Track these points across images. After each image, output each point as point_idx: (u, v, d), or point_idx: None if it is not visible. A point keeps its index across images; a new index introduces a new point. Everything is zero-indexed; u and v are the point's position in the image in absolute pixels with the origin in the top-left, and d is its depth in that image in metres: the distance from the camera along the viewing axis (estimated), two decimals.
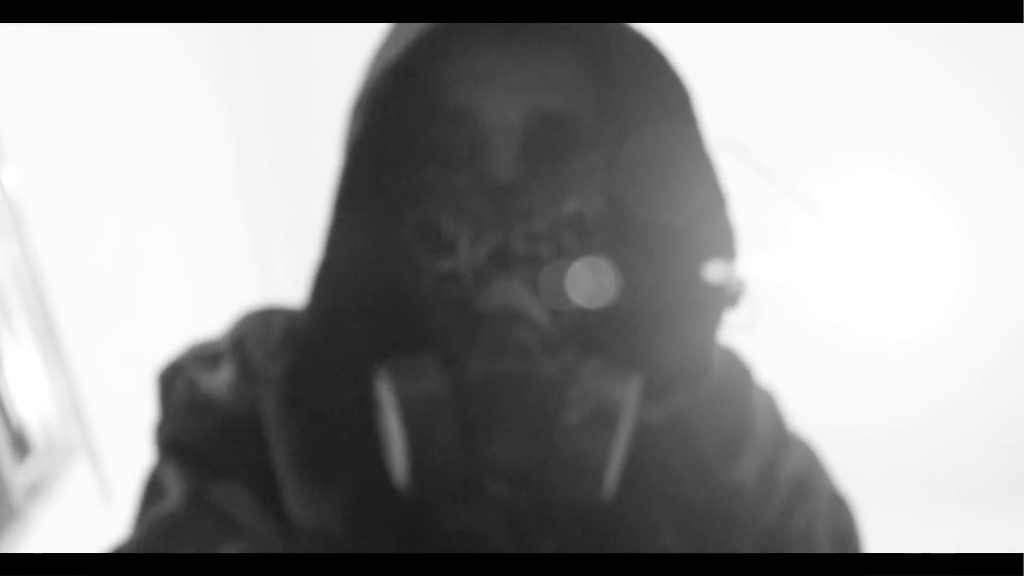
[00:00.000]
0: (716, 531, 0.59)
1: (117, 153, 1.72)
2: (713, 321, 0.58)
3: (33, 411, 1.38)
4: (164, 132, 2.00)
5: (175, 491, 0.58)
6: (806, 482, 0.65)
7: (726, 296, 0.58)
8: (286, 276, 2.63)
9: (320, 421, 0.57)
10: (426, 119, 0.54)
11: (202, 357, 0.65)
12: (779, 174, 2.64)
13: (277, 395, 0.57)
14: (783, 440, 0.66)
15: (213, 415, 0.60)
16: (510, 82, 0.53)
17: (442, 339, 0.55)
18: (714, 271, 0.58)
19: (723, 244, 0.58)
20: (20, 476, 1.29)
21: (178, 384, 0.63)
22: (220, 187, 2.46)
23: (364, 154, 0.53)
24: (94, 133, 1.62)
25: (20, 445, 1.38)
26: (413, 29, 0.50)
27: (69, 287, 1.44)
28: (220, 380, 0.62)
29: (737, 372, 0.66)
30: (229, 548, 0.54)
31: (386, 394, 0.51)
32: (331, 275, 0.55)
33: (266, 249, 2.64)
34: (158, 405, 0.64)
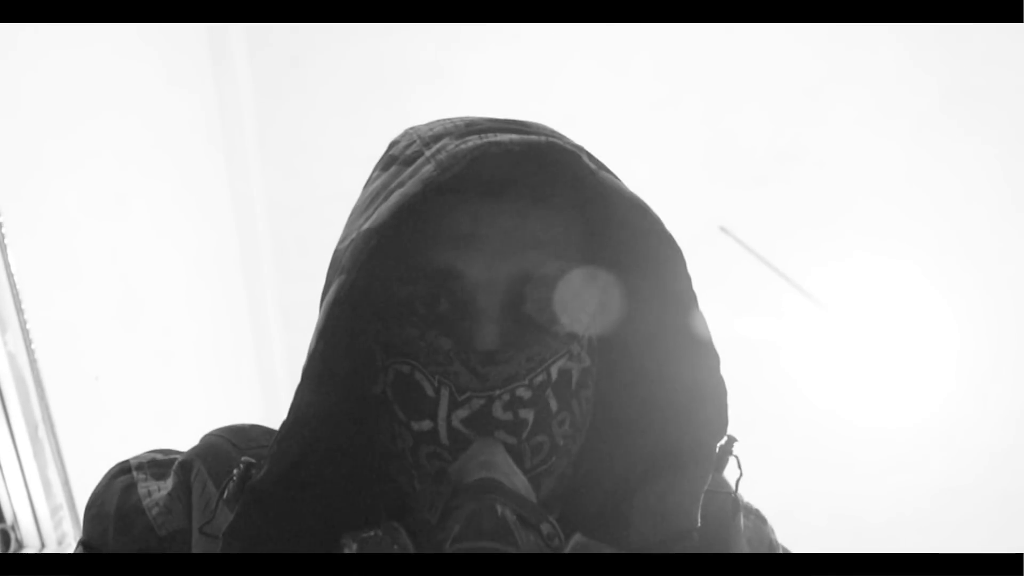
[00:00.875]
0: None
1: (115, 241, 1.74)
2: (699, 482, 0.56)
3: (26, 508, 1.36)
4: (164, 214, 2.02)
5: None
6: None
7: (714, 456, 0.56)
8: (283, 360, 2.63)
9: None
10: (409, 275, 0.53)
11: (155, 463, 0.63)
12: (773, 258, 2.67)
13: (221, 550, 0.52)
14: None
15: (135, 527, 0.58)
16: (498, 243, 0.51)
17: (414, 504, 0.51)
18: (702, 431, 0.56)
19: (713, 403, 0.55)
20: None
21: (117, 484, 0.61)
22: (222, 275, 2.48)
23: (343, 313, 0.51)
24: (93, 219, 1.64)
25: (11, 542, 1.36)
26: (398, 191, 0.49)
27: (64, 381, 1.44)
28: (157, 495, 0.60)
29: (721, 509, 0.62)
30: None
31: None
32: (297, 432, 0.52)
33: (267, 338, 2.63)
34: (92, 498, 0.62)
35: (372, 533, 0.47)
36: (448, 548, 0.46)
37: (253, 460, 0.53)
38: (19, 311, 1.28)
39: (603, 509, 0.56)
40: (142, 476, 0.61)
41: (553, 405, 0.53)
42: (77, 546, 0.60)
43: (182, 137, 2.16)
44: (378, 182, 0.54)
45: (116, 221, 1.72)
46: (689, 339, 0.54)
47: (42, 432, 1.34)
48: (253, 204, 2.55)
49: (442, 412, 0.51)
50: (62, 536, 1.38)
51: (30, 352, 1.31)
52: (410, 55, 2.40)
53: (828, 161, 2.61)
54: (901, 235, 2.67)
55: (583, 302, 0.55)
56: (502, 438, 0.51)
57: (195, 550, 0.57)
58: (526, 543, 0.46)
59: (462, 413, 0.51)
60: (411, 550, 0.46)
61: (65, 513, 1.41)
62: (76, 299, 1.54)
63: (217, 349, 2.34)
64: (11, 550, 1.35)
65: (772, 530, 0.68)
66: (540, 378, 0.52)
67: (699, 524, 0.56)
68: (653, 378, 0.58)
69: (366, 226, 0.49)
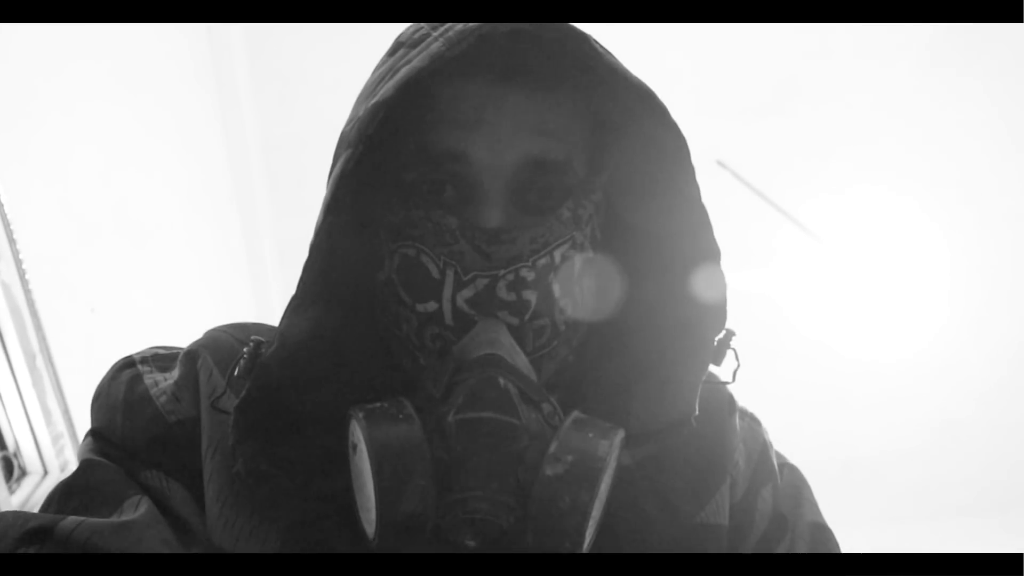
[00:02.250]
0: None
1: (109, 171, 1.72)
2: (698, 373, 0.57)
3: (27, 435, 1.38)
4: (157, 144, 2.00)
5: (108, 476, 0.55)
6: (786, 516, 0.64)
7: (713, 348, 0.57)
8: (280, 294, 2.64)
9: (273, 459, 0.54)
10: (416, 158, 0.53)
11: (158, 356, 0.63)
12: (770, 192, 2.66)
13: (231, 423, 0.53)
14: (765, 473, 0.65)
15: (144, 415, 0.58)
16: (503, 127, 0.52)
17: (420, 383, 0.53)
18: (702, 323, 0.56)
19: (713, 296, 0.56)
20: (16, 499, 1.28)
21: (123, 376, 0.61)
22: (216, 206, 2.46)
23: (349, 188, 0.52)
24: (85, 149, 1.62)
25: (14, 469, 1.38)
26: (405, 67, 0.49)
27: (63, 308, 1.44)
28: (164, 384, 0.60)
29: (717, 406, 0.64)
30: (170, 544, 0.51)
31: (358, 437, 0.48)
32: (306, 308, 0.53)
33: (263, 270, 2.63)
34: (97, 391, 0.62)
35: (378, 404, 0.49)
36: (451, 419, 0.47)
37: (263, 339, 0.54)
38: (11, 241, 1.27)
39: (603, 399, 0.57)
40: (147, 368, 0.62)
41: (556, 290, 0.53)
42: (86, 435, 0.60)
43: (173, 66, 2.12)
44: (385, 65, 0.54)
45: (108, 152, 1.70)
46: (692, 232, 0.55)
47: (40, 362, 1.35)
48: (245, 133, 2.52)
49: (447, 293, 0.52)
50: (64, 463, 1.41)
51: (24, 283, 1.31)
52: None
53: (827, 94, 2.58)
54: (898, 168, 2.65)
55: (587, 189, 0.55)
56: (505, 319, 0.52)
57: (205, 431, 0.57)
58: (527, 418, 0.48)
59: (467, 293, 0.51)
60: (416, 420, 0.48)
61: (67, 441, 1.43)
62: (69, 232, 1.53)
63: (212, 280, 2.34)
64: (15, 477, 1.38)
65: (765, 431, 0.69)
66: (544, 261, 0.52)
67: (696, 412, 0.57)
68: (656, 271, 0.59)
69: (373, 101, 0.49)
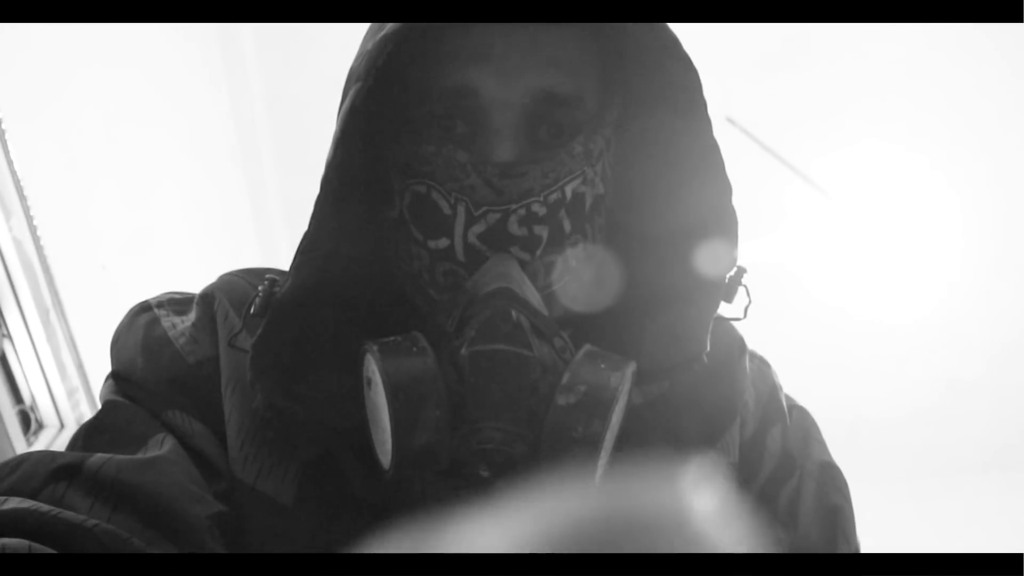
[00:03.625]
0: None
1: (118, 131, 1.72)
2: (709, 310, 0.57)
3: (42, 389, 1.41)
4: (165, 109, 2.00)
5: (133, 414, 0.56)
6: (795, 455, 0.64)
7: (723, 286, 0.57)
8: (287, 251, 2.64)
9: (290, 394, 0.54)
10: (425, 94, 0.53)
11: (174, 300, 0.64)
12: (780, 149, 2.63)
13: (249, 360, 0.54)
14: (774, 413, 0.66)
15: (163, 356, 0.58)
16: (513, 61, 0.51)
17: (433, 317, 0.53)
18: (713, 260, 0.57)
19: (724, 233, 0.56)
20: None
21: (141, 320, 0.61)
22: (222, 163, 2.46)
23: (358, 124, 0.52)
24: (95, 112, 1.62)
25: (31, 422, 1.41)
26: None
27: (74, 265, 1.45)
28: (182, 326, 0.60)
29: (728, 347, 0.64)
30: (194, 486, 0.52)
31: (373, 371, 0.49)
32: (318, 247, 0.53)
33: (269, 226, 2.64)
34: (116, 334, 0.62)
35: (392, 339, 0.50)
36: (464, 352, 0.48)
37: (276, 278, 0.55)
38: (22, 197, 1.28)
39: (615, 334, 0.57)
40: (163, 312, 0.62)
41: (567, 225, 0.53)
42: (107, 378, 0.61)
43: (178, 26, 2.10)
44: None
45: (115, 111, 1.70)
46: (703, 166, 0.55)
47: (53, 317, 1.37)
48: (250, 90, 2.50)
49: (458, 228, 0.52)
50: (80, 416, 1.44)
51: (36, 239, 1.33)
52: None
53: (837, 51, 2.54)
54: (909, 126, 2.62)
55: (599, 124, 0.55)
56: (517, 254, 0.52)
57: (224, 369, 0.58)
58: (540, 351, 0.49)
59: (478, 228, 0.51)
60: (430, 353, 0.48)
61: (81, 395, 1.46)
62: (80, 192, 1.54)
63: (219, 237, 2.35)
64: (32, 430, 1.41)
65: (775, 373, 0.70)
66: (555, 196, 0.52)
67: (708, 349, 0.58)
68: (666, 207, 0.59)
69: (382, 34, 0.49)
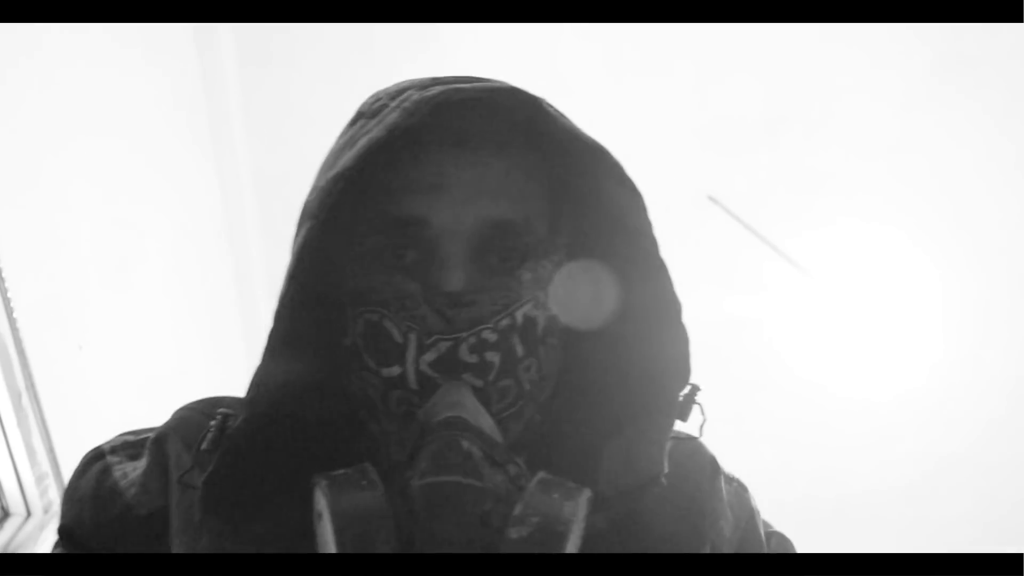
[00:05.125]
0: None
1: (98, 206, 1.71)
2: (664, 431, 0.58)
3: (10, 475, 1.36)
4: (147, 180, 2.00)
5: None
6: None
7: (678, 404, 0.57)
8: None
9: (240, 535, 0.54)
10: (377, 225, 0.54)
11: (127, 444, 0.63)
12: (760, 227, 2.67)
13: (198, 499, 0.54)
14: (752, 542, 0.65)
15: (113, 509, 0.59)
16: (463, 191, 0.53)
17: (386, 448, 0.54)
18: (667, 380, 0.57)
19: (676, 352, 0.57)
20: None
21: (93, 469, 0.62)
22: (206, 241, 2.45)
23: (312, 259, 0.53)
24: (76, 186, 1.62)
25: None
26: (364, 137, 0.51)
27: (48, 350, 1.42)
28: (133, 475, 0.60)
29: (699, 467, 0.64)
30: None
31: (323, 506, 0.48)
32: (272, 378, 0.53)
33: (254, 305, 2.62)
34: (68, 486, 0.63)
35: (342, 472, 0.49)
36: (416, 483, 0.47)
37: (230, 411, 0.54)
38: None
39: (571, 459, 0.57)
40: (116, 459, 0.62)
41: (519, 350, 0.54)
42: (57, 532, 0.60)
43: (166, 104, 2.12)
44: (346, 136, 0.55)
45: (98, 190, 1.69)
46: (652, 287, 0.56)
47: (25, 400, 1.33)
48: (238, 171, 2.52)
49: (410, 356, 0.52)
50: (48, 504, 1.38)
51: (12, 320, 1.30)
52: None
53: (818, 129, 2.60)
54: (890, 203, 2.67)
55: (548, 250, 0.56)
56: (469, 380, 0.52)
57: (173, 515, 0.57)
58: (492, 480, 0.48)
59: (429, 356, 0.52)
60: (379, 487, 0.48)
61: (51, 481, 1.40)
62: (58, 269, 1.52)
63: (202, 318, 2.33)
64: None
65: (753, 498, 0.69)
66: (505, 322, 0.53)
67: (666, 470, 0.57)
68: (619, 328, 0.59)
69: (333, 172, 0.51)
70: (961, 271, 2.74)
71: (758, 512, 0.68)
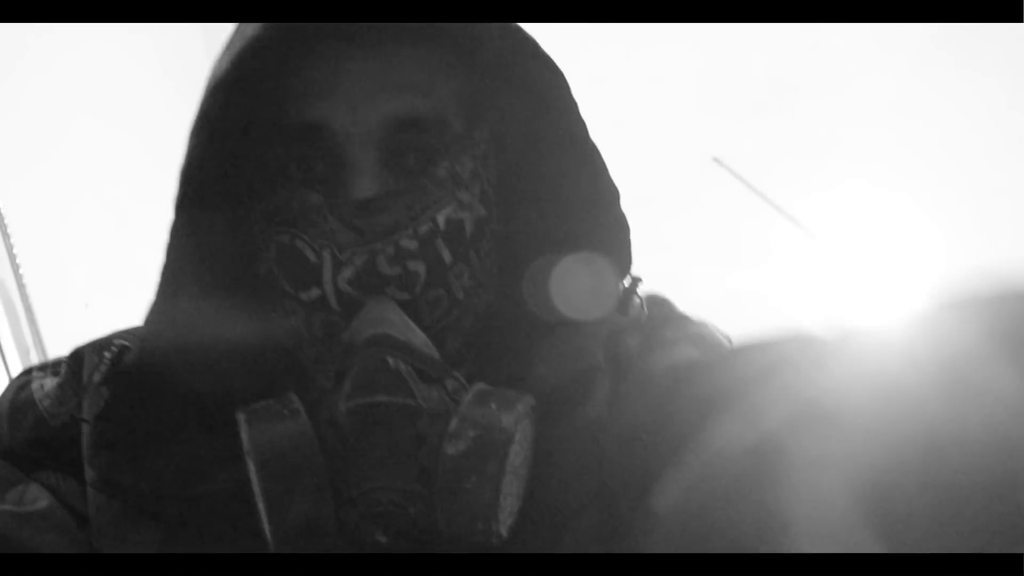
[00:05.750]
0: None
1: (104, 165, 1.71)
2: (601, 325, 0.54)
3: None
4: (152, 138, 1.99)
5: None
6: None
7: (617, 297, 0.54)
8: None
9: (136, 469, 0.50)
10: (273, 136, 0.50)
11: (56, 362, 0.60)
12: (768, 191, 2.66)
13: (86, 433, 0.51)
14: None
15: (27, 419, 0.55)
16: (363, 89, 0.48)
17: (314, 375, 0.49)
18: (605, 271, 0.54)
19: (616, 244, 0.54)
20: None
21: (14, 384, 0.58)
22: None
23: (206, 179, 0.48)
24: (81, 143, 1.62)
25: None
26: (242, 38, 0.46)
27: (56, 304, 1.43)
28: (48, 387, 0.56)
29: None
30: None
31: (244, 441, 0.45)
32: (173, 315, 0.50)
33: None
34: None
35: (262, 403, 0.46)
36: (342, 407, 0.44)
37: (127, 343, 0.51)
38: (5, 236, 1.27)
39: (512, 364, 0.53)
40: (39, 374, 0.58)
41: (446, 256, 0.49)
42: None
43: (166, 60, 2.11)
44: (225, 45, 0.50)
45: (105, 148, 1.69)
46: (587, 174, 0.53)
47: (34, 356, 1.34)
48: None
49: (327, 276, 0.47)
50: None
51: (18, 277, 1.31)
52: None
53: (824, 91, 2.57)
54: (896, 167, 2.65)
55: (466, 145, 0.51)
56: (394, 294, 0.47)
57: (84, 438, 0.54)
58: (428, 398, 0.45)
59: (347, 273, 0.47)
60: (302, 415, 0.45)
61: None
62: (64, 228, 1.52)
63: None
64: None
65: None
66: (425, 227, 0.48)
67: (602, 365, 0.53)
68: (554, 223, 0.55)
69: (212, 85, 0.47)
70: (969, 236, 2.73)
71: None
